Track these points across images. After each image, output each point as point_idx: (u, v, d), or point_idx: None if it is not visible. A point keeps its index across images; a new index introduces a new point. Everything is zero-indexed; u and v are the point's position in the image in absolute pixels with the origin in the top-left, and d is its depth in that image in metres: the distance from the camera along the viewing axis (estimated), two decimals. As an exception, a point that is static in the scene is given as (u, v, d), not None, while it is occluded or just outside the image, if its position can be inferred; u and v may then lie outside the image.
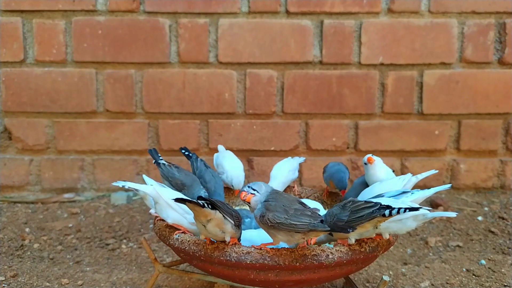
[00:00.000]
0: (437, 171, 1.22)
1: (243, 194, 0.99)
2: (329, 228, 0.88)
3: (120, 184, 1.13)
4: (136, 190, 1.11)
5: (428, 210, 0.98)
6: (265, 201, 0.96)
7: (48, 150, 1.86)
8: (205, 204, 0.91)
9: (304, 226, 0.90)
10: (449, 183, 1.10)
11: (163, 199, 1.06)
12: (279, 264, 0.94)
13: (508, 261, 1.41)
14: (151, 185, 1.12)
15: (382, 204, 0.93)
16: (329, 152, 1.86)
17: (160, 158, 1.29)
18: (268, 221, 0.93)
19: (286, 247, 0.97)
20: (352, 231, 0.89)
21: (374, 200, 0.97)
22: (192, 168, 1.32)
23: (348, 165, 1.85)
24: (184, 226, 1.06)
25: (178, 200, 0.92)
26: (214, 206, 0.92)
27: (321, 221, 0.89)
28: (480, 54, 1.82)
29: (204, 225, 0.95)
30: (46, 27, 1.79)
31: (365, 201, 0.96)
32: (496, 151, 1.88)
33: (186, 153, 1.36)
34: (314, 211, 0.93)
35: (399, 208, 0.90)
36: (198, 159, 1.33)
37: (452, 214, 0.97)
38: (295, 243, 0.96)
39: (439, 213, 0.99)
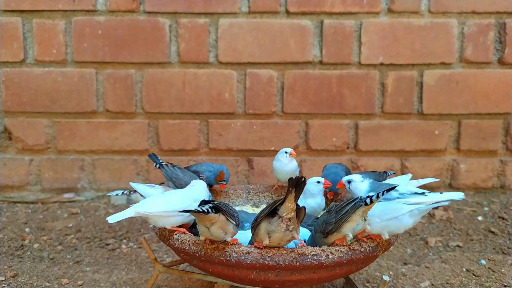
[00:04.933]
0: (438, 179, 1.28)
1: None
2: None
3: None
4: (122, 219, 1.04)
5: (422, 202, 0.99)
6: None
7: (48, 150, 1.86)
8: (209, 210, 0.91)
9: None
10: (461, 192, 1.11)
11: (151, 215, 1.04)
12: (279, 264, 0.94)
13: (508, 261, 1.41)
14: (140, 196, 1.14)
15: (362, 197, 0.97)
16: (329, 152, 1.86)
17: (160, 160, 1.29)
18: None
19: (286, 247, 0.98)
20: None
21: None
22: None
23: (348, 165, 1.85)
24: (185, 222, 1.06)
25: (183, 211, 0.94)
26: (217, 210, 0.93)
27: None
28: (480, 54, 1.82)
29: (207, 228, 0.95)
30: (46, 27, 1.79)
31: (346, 200, 1.00)
32: (496, 151, 1.88)
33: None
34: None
35: (377, 193, 0.94)
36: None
37: (454, 196, 0.96)
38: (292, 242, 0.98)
39: (440, 196, 0.99)
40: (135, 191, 1.19)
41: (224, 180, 1.34)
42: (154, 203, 1.05)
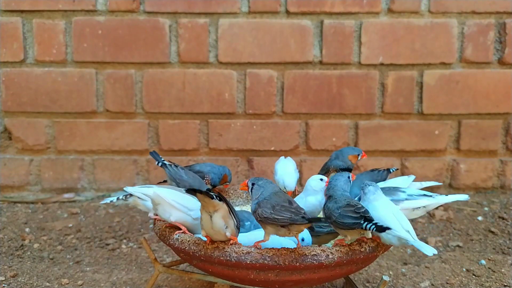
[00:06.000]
0: (441, 183, 1.26)
1: (242, 185, 1.08)
2: (308, 222, 0.94)
3: (113, 197, 1.13)
4: (138, 196, 1.11)
5: (429, 204, 0.99)
6: (260, 199, 1.02)
7: (48, 150, 1.86)
8: (214, 196, 0.93)
9: (285, 219, 0.96)
10: (467, 195, 1.13)
11: (167, 201, 1.06)
12: (279, 264, 0.94)
13: (508, 261, 1.41)
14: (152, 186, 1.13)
15: (367, 216, 0.96)
16: (329, 152, 1.86)
17: (162, 159, 1.29)
18: (257, 216, 0.99)
19: (286, 247, 0.98)
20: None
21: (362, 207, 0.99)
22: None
23: (348, 165, 1.84)
24: (188, 222, 1.06)
25: (189, 190, 0.93)
26: (221, 199, 0.95)
27: (303, 217, 0.95)
28: (480, 54, 1.82)
29: (210, 215, 0.95)
30: (46, 27, 1.79)
31: (355, 208, 0.98)
32: (496, 151, 1.88)
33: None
34: (297, 208, 0.98)
35: (373, 225, 0.93)
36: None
37: (430, 252, 0.95)
38: (289, 237, 0.99)
39: (420, 245, 0.97)
40: (131, 195, 1.17)
41: (228, 182, 1.39)
42: (171, 192, 1.09)
